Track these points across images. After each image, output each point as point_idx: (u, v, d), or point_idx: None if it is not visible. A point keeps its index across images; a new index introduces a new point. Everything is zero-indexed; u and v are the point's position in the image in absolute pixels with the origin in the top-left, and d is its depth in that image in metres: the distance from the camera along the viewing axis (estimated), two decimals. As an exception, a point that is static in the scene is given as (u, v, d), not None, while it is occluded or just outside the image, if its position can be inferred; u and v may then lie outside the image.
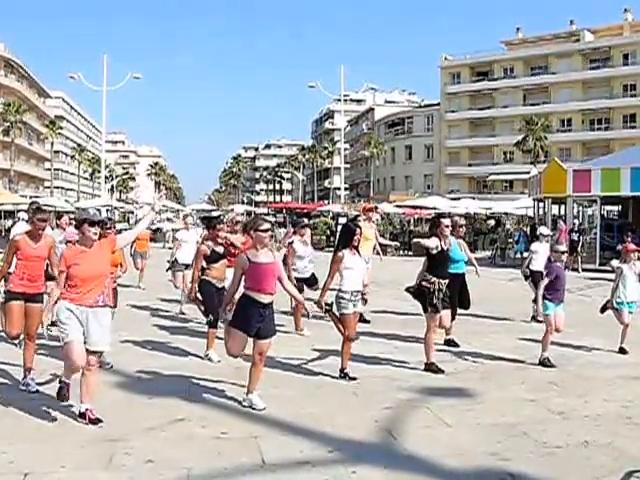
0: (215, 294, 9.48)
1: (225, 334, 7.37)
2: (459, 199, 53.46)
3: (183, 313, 13.32)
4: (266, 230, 7.25)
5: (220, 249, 9.78)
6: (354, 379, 8.42)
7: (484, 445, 6.20)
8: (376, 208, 13.73)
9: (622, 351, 10.40)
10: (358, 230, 8.76)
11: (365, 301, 8.97)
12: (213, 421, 6.75)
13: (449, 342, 10.76)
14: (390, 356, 9.83)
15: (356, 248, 8.69)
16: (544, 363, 9.48)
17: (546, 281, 9.56)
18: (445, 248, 9.27)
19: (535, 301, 10.87)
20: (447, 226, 9.29)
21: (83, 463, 5.60)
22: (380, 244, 14.33)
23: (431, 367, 9.01)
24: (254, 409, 7.11)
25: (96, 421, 6.52)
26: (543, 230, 14.23)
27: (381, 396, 7.76)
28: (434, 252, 9.14)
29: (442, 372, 8.92)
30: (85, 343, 6.52)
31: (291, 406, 7.30)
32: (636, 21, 76.32)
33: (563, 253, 9.96)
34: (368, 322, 12.58)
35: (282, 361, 9.25)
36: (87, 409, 6.59)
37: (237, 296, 7.39)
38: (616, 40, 73.28)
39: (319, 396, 7.80)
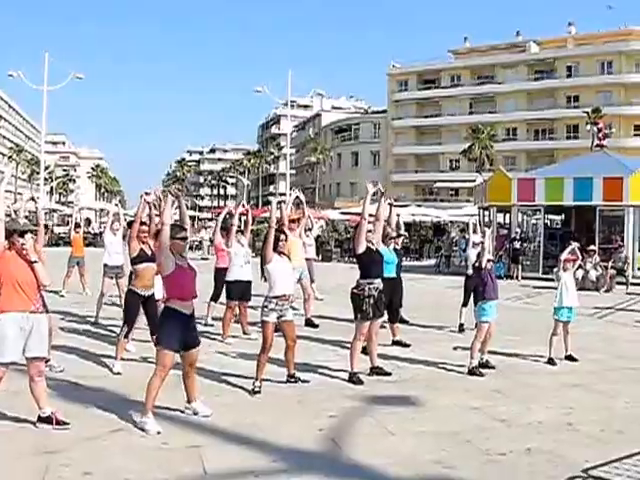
0: (139, 306, 9.30)
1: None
2: (405, 206, 53.83)
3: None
4: (183, 238, 7.02)
5: (149, 252, 9.27)
6: (305, 381, 8.52)
7: (428, 453, 6.20)
8: (298, 220, 13.39)
9: (570, 358, 10.38)
10: (282, 236, 8.54)
11: (293, 308, 8.69)
12: (154, 430, 6.61)
13: (398, 342, 10.75)
14: (334, 364, 9.76)
15: (284, 254, 8.54)
16: (473, 372, 9.36)
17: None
18: (374, 248, 9.05)
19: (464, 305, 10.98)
20: (369, 231, 9.04)
21: (17, 476, 5.42)
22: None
23: (352, 378, 8.70)
24: (202, 416, 7.01)
25: (63, 423, 6.43)
26: (475, 238, 14.39)
27: (325, 404, 7.71)
28: (360, 251, 8.88)
29: (361, 383, 8.57)
30: (25, 352, 6.37)
31: (234, 415, 7.20)
32: (580, 34, 78.18)
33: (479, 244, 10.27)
34: (317, 326, 12.57)
35: (223, 369, 9.14)
36: (52, 412, 6.50)
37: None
38: (561, 52, 74.91)
39: (263, 405, 7.71)
